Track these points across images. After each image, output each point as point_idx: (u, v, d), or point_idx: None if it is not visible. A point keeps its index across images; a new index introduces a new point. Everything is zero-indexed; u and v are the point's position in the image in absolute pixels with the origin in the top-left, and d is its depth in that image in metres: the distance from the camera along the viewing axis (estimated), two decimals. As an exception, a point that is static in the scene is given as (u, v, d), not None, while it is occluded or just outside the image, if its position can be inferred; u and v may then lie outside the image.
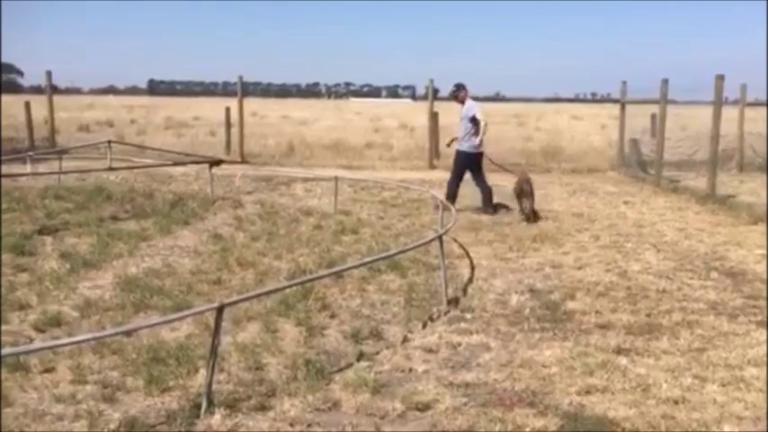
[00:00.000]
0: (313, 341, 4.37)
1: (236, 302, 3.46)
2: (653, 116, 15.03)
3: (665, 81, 12.53)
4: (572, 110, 63.31)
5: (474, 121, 9.28)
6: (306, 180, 12.12)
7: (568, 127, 31.05)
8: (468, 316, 4.96)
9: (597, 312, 5.06)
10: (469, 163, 9.57)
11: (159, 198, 9.92)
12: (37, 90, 17.99)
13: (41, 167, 12.30)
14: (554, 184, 12.63)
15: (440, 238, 5.26)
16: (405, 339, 4.45)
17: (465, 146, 9.53)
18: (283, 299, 5.06)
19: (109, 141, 9.03)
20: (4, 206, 8.73)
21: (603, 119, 40.55)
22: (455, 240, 7.57)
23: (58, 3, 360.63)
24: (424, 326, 4.73)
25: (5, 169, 11.36)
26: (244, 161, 13.10)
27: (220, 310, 3.24)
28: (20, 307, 4.86)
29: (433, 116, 15.72)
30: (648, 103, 14.05)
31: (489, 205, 9.46)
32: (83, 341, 3.27)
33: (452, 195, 9.33)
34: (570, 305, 5.23)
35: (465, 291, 5.61)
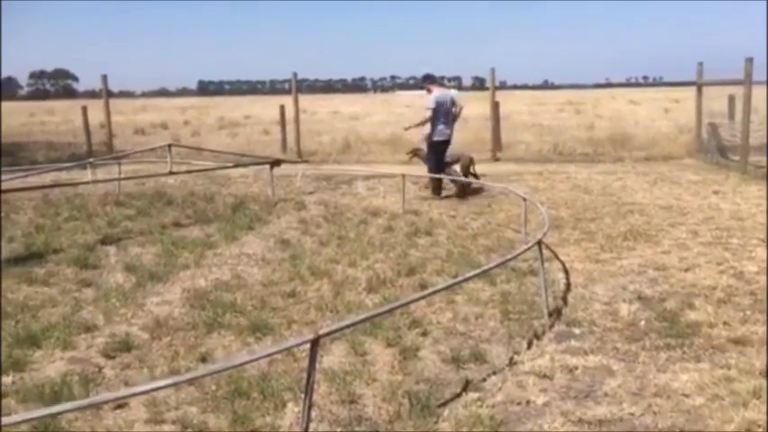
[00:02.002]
0: (408, 366, 3.87)
1: (332, 333, 2.98)
2: (730, 98, 14.10)
3: (750, 60, 11.61)
4: (626, 95, 61.53)
5: (430, 110, 9.60)
6: (367, 178, 11.66)
7: (628, 112, 29.87)
8: (577, 331, 4.39)
9: (726, 324, 4.42)
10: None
11: (220, 202, 9.58)
12: (91, 94, 18.06)
13: (100, 173, 12.17)
14: (630, 174, 11.86)
15: (539, 244, 4.68)
16: (511, 362, 3.92)
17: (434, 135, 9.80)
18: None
19: (169, 145, 8.71)
20: (65, 214, 8.52)
21: (663, 102, 39.15)
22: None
23: (106, 8, 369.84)
24: (530, 344, 4.18)
25: (66, 176, 11.26)
26: (303, 160, 12.70)
27: (315, 342, 2.76)
28: (86, 329, 4.50)
29: (495, 106, 15.03)
30: (728, 85, 13.13)
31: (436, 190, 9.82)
32: (163, 387, 2.81)
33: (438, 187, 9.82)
34: (691, 316, 4.61)
35: (565, 300, 5.03)
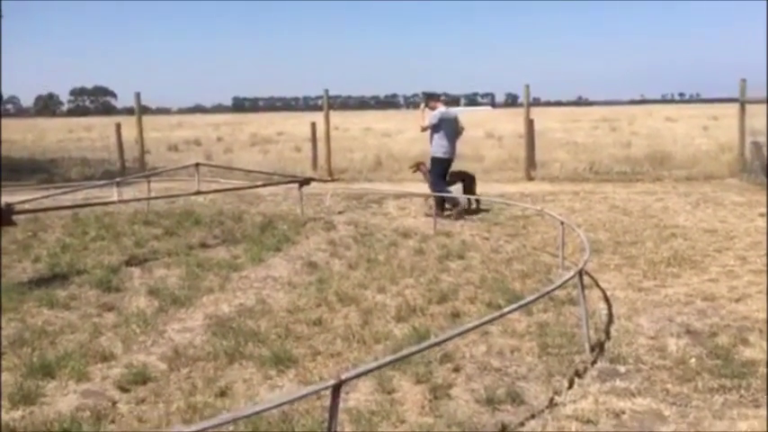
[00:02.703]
0: (440, 406, 3.60)
1: (356, 377, 2.73)
2: (773, 115, 13.60)
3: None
4: (662, 111, 60.54)
5: (432, 127, 9.67)
6: (398, 197, 11.43)
7: (666, 130, 29.24)
8: (622, 369, 4.07)
9: (785, 364, 4.06)
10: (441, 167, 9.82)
11: (248, 221, 9.44)
12: (129, 111, 18.17)
13: (131, 191, 12.16)
14: (670, 194, 11.44)
15: (580, 273, 4.38)
16: (551, 403, 3.62)
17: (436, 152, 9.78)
18: (397, 347, 4.33)
19: (197, 164, 8.61)
20: (93, 233, 8.44)
21: (701, 120, 38.32)
22: (575, 264, 6.66)
23: (147, 27, 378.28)
24: (571, 383, 3.87)
25: (97, 193, 11.25)
26: (334, 178, 12.53)
27: (337, 387, 2.52)
28: (103, 358, 4.33)
29: (529, 123, 14.72)
30: (774, 102, 12.65)
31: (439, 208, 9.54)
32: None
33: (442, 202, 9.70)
34: (746, 353, 4.26)
35: (608, 333, 4.71)
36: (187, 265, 6.81)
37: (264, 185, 10.31)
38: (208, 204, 10.90)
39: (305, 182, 10.08)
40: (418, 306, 5.32)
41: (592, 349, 4.34)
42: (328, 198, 10.98)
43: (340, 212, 10.27)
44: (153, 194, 9.73)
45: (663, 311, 5.19)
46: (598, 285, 5.93)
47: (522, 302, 3.78)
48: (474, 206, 10.14)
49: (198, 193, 8.67)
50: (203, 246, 7.87)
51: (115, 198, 8.09)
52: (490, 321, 3.60)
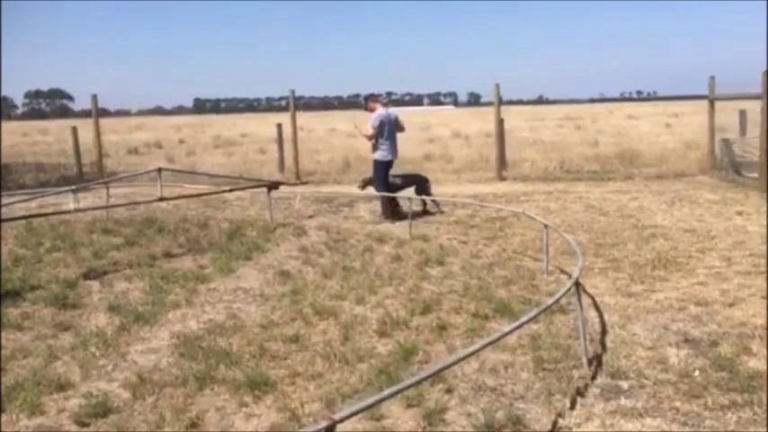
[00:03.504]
0: (435, 434, 3.29)
1: (349, 417, 2.39)
2: (741, 113, 13.65)
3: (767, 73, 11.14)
4: (622, 109, 61.28)
5: (374, 129, 9.38)
6: (369, 200, 11.09)
7: (630, 128, 29.43)
8: (625, 385, 3.81)
9: (793, 375, 3.85)
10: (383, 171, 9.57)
11: (215, 228, 9.00)
12: (87, 114, 17.40)
13: (89, 197, 11.60)
14: (644, 193, 11.34)
15: (576, 284, 4.12)
16: (555, 427, 3.34)
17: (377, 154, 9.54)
18: (383, 367, 4.01)
19: (159, 169, 8.15)
20: (48, 244, 7.93)
21: (662, 117, 38.81)
22: (561, 270, 6.44)
23: (102, 27, 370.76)
24: (573, 404, 3.60)
25: (53, 200, 10.69)
26: (302, 182, 12.13)
27: (330, 429, 2.19)
28: (59, 386, 3.91)
29: (500, 123, 14.53)
30: (743, 99, 12.69)
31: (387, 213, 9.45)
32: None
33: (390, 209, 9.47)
34: (750, 363, 4.04)
35: (603, 344, 4.46)
36: (150, 278, 6.39)
37: (231, 190, 9.86)
38: (171, 210, 10.43)
39: (273, 186, 9.69)
40: (401, 318, 5.00)
41: (590, 363, 4.08)
42: (298, 202, 10.61)
43: (310, 217, 9.91)
44: (113, 200, 9.27)
45: (657, 318, 4.96)
46: (586, 291, 5.68)
47: (520, 322, 3.45)
48: (435, 209, 9.88)
49: (162, 199, 8.21)
50: (167, 255, 7.43)
51: (71, 206, 7.57)
52: (490, 344, 3.26)
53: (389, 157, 9.53)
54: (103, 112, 15.31)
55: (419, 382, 3.03)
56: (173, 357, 4.41)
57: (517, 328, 3.33)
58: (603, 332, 4.69)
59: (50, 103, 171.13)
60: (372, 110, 9.56)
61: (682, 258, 6.74)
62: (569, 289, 4.01)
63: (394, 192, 9.55)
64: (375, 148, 9.48)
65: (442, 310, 5.24)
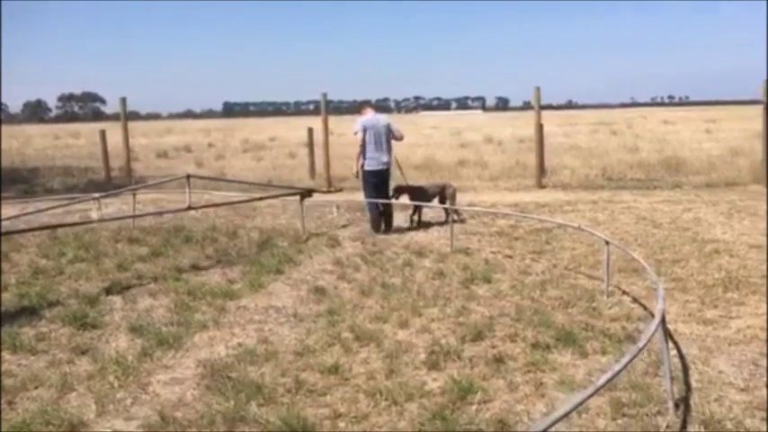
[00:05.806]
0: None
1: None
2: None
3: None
4: (656, 114, 60.01)
5: (358, 135, 8.78)
6: (405, 208, 10.58)
7: (667, 133, 28.52)
8: (724, 439, 3.25)
9: None
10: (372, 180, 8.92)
11: (244, 238, 8.57)
12: (118, 117, 17.12)
13: (116, 203, 11.28)
14: (697, 203, 10.66)
15: (663, 322, 3.54)
16: (650, 495, 2.79)
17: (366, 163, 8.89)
18: (438, 410, 3.49)
19: (188, 176, 7.72)
20: (70, 254, 7.55)
21: (698, 123, 37.72)
22: (622, 291, 5.85)
23: (135, 31, 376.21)
24: (666, 462, 3.05)
25: (80, 206, 10.36)
26: (336, 189, 11.66)
27: None
28: (71, 426, 3.46)
29: (540, 128, 13.93)
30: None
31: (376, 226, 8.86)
32: None
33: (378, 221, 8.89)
34: None
35: (688, 384, 3.89)
36: (176, 293, 5.95)
37: (262, 198, 9.42)
38: (199, 218, 10.03)
39: (306, 193, 9.22)
40: (451, 347, 4.47)
41: (676, 407, 3.52)
42: (334, 211, 10.14)
43: (344, 226, 9.43)
44: (140, 207, 8.90)
45: (742, 352, 4.38)
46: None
47: (606, 378, 2.79)
48: (457, 218, 9.23)
49: (190, 208, 7.78)
50: (195, 268, 7.00)
51: (94, 216, 7.19)
52: (578, 406, 2.65)
53: (376, 167, 8.81)
54: (134, 116, 15.10)
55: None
56: (198, 390, 3.94)
57: (614, 376, 2.75)
58: (685, 368, 4.12)
59: (83, 107, 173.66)
60: (362, 115, 8.95)
61: (754, 279, 6.12)
62: (656, 330, 3.37)
63: (374, 202, 8.90)
64: (362, 156, 8.81)
65: (496, 337, 4.71)
